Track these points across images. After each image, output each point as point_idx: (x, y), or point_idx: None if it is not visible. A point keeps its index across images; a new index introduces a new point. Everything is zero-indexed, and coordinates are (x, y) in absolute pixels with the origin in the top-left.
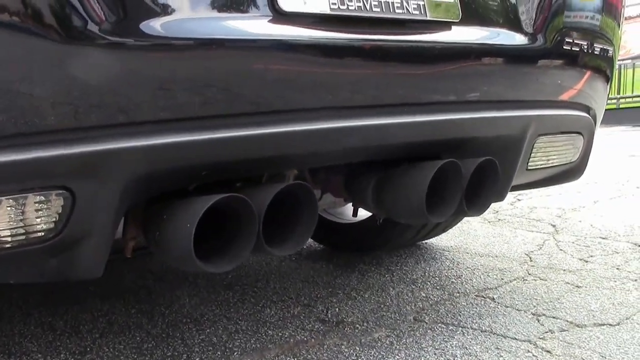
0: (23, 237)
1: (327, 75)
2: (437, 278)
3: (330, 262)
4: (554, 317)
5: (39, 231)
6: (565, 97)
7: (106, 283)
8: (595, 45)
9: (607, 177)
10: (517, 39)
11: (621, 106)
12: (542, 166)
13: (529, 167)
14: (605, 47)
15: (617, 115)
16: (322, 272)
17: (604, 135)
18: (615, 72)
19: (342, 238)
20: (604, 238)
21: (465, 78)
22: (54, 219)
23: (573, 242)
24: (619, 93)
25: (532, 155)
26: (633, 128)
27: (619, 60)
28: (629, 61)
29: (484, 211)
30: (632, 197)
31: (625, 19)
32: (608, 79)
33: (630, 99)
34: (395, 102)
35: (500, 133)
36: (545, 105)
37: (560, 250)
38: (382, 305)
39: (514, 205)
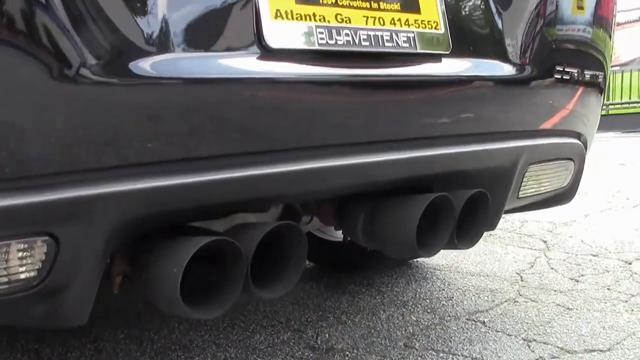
0: (6, 285)
1: (316, 112)
2: (428, 300)
3: (321, 282)
4: (544, 343)
5: (22, 280)
6: (556, 125)
7: (95, 305)
8: (585, 72)
9: (598, 188)
10: (507, 70)
11: (610, 112)
12: (533, 193)
13: (520, 196)
14: (595, 73)
15: (607, 122)
16: (313, 293)
17: (594, 142)
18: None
19: (332, 256)
20: (594, 255)
21: (456, 111)
22: (37, 267)
23: (564, 260)
24: (608, 99)
25: (523, 183)
26: (622, 134)
27: None
28: (618, 68)
29: (475, 243)
30: (622, 209)
31: None
32: (599, 104)
33: (619, 106)
34: (385, 139)
35: (492, 165)
36: (536, 135)
37: (552, 268)
38: (372, 331)
39: (505, 219)
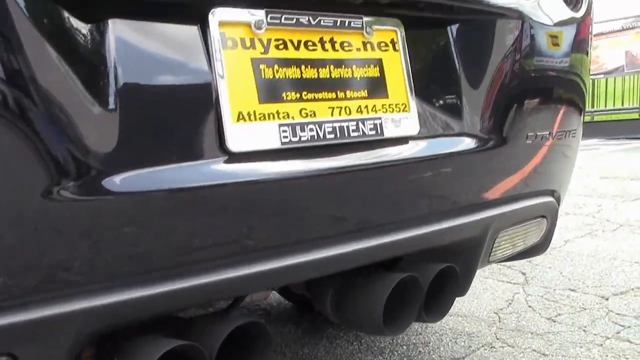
0: None
1: (280, 211)
2: (404, 347)
3: (300, 326)
4: None
5: None
6: (528, 188)
7: None
8: (558, 131)
9: (579, 207)
10: (478, 143)
11: (595, 119)
12: (504, 255)
13: (491, 259)
14: (569, 130)
15: (592, 129)
16: (290, 338)
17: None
18: (589, 86)
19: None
20: (572, 290)
21: (424, 192)
22: None
23: (542, 296)
24: (592, 107)
25: (494, 248)
26: (607, 141)
27: (592, 74)
28: (602, 75)
29: (444, 315)
30: (602, 233)
31: (598, 35)
32: (575, 156)
33: (604, 113)
34: (354, 229)
35: (461, 238)
36: (508, 201)
37: (529, 307)
38: None
39: None
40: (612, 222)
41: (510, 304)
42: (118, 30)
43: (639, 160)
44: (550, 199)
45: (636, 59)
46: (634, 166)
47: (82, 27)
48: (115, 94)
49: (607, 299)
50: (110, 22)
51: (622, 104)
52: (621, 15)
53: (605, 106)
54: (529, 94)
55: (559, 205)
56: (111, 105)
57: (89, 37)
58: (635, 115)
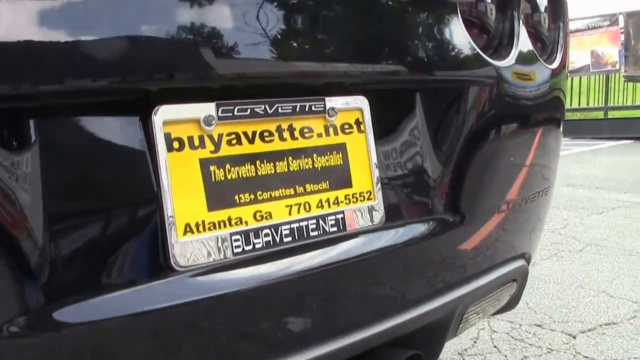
0: None
1: (237, 325)
2: None
3: None
4: None
5: None
6: (499, 258)
7: None
8: (531, 194)
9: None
10: (447, 225)
11: None
12: (472, 324)
13: (458, 333)
14: (542, 189)
15: None
16: None
17: None
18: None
19: None
20: (539, 326)
21: (392, 283)
22: None
23: (508, 333)
24: None
25: (462, 321)
26: (573, 141)
27: None
28: (568, 74)
29: None
30: (569, 254)
31: None
32: (546, 213)
33: (570, 113)
34: (319, 332)
35: (427, 322)
36: (479, 275)
37: (495, 347)
38: None
39: None
40: (579, 240)
41: (475, 342)
42: (51, 138)
43: (605, 165)
44: (521, 262)
45: (601, 58)
46: (600, 172)
47: (8, 134)
48: (46, 214)
49: (574, 337)
50: (42, 124)
51: (588, 103)
52: (587, 14)
53: (571, 105)
54: (502, 165)
55: (529, 263)
56: (45, 228)
57: (18, 145)
58: (600, 115)
